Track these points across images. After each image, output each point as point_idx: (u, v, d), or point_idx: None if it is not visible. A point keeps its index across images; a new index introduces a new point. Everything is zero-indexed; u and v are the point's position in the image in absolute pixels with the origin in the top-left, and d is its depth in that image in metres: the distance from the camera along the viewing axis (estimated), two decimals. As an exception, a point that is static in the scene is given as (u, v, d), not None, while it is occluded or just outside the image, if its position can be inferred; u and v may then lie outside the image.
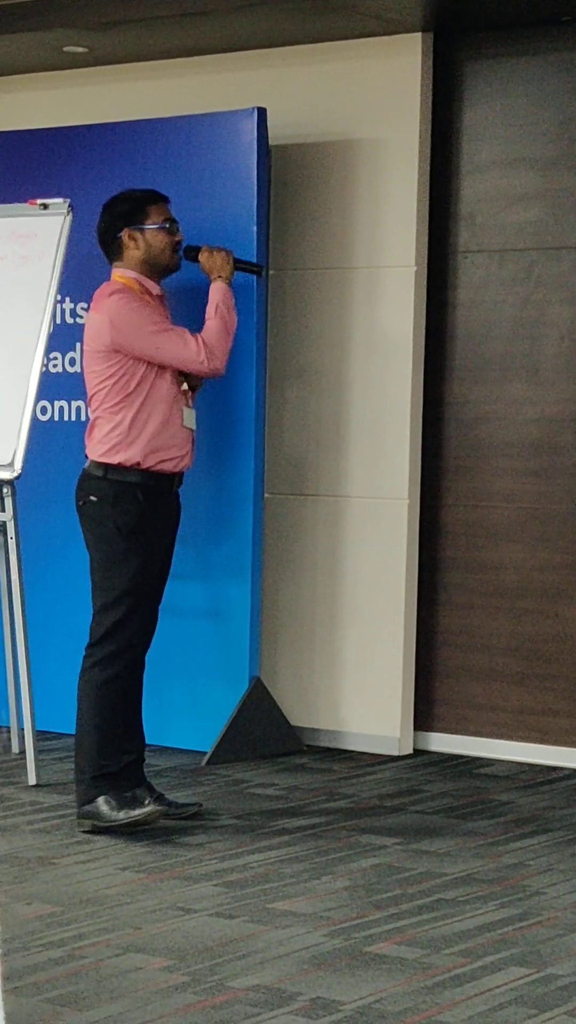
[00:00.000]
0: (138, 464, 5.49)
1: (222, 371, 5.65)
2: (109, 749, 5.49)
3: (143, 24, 6.58)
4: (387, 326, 6.73)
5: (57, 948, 4.27)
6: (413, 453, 6.73)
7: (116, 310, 5.47)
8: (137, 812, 5.39)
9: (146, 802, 5.45)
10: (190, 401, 5.68)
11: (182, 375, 5.62)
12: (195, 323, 5.65)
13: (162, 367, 5.53)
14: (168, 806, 5.59)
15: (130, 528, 5.48)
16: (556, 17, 6.42)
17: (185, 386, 5.65)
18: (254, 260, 6.36)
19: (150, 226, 5.57)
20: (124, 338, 5.45)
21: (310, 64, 6.84)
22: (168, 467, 5.55)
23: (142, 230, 5.56)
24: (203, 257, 5.72)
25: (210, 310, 5.65)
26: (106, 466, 5.50)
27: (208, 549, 6.67)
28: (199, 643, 6.70)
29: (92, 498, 5.52)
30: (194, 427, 5.68)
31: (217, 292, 5.69)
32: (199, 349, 5.54)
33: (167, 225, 5.60)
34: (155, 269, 5.62)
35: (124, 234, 5.57)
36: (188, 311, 5.90)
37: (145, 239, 5.57)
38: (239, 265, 5.85)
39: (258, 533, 6.67)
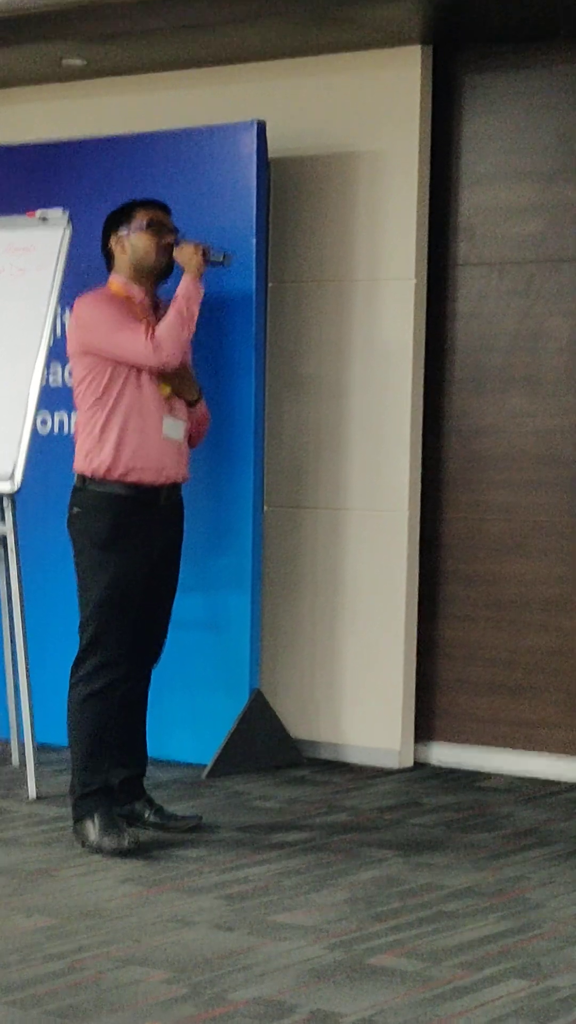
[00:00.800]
0: (110, 473, 5.37)
1: (172, 364, 5.38)
2: (93, 767, 5.39)
3: (142, 36, 6.59)
4: (387, 338, 6.73)
5: (57, 960, 4.26)
6: (413, 465, 6.73)
7: (81, 310, 5.47)
8: (115, 846, 5.27)
9: (125, 835, 5.32)
10: (176, 410, 5.49)
11: (165, 381, 5.45)
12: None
13: (138, 372, 5.39)
14: (168, 820, 5.58)
15: (102, 540, 5.38)
16: (555, 30, 6.43)
17: (168, 391, 5.45)
18: (249, 263, 6.35)
19: (134, 229, 5.49)
20: (89, 337, 5.40)
21: (309, 76, 6.85)
22: (146, 478, 5.39)
23: (127, 234, 5.50)
24: (176, 251, 5.56)
25: (171, 304, 5.50)
26: (84, 476, 5.44)
27: (208, 561, 6.66)
28: (199, 655, 6.70)
29: (75, 510, 5.47)
30: (178, 437, 5.48)
31: (180, 285, 5.49)
32: (147, 342, 5.34)
33: (148, 226, 5.48)
34: (143, 273, 5.49)
35: (112, 240, 5.54)
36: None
37: (130, 242, 5.49)
38: (207, 257, 5.57)
39: (258, 545, 6.67)
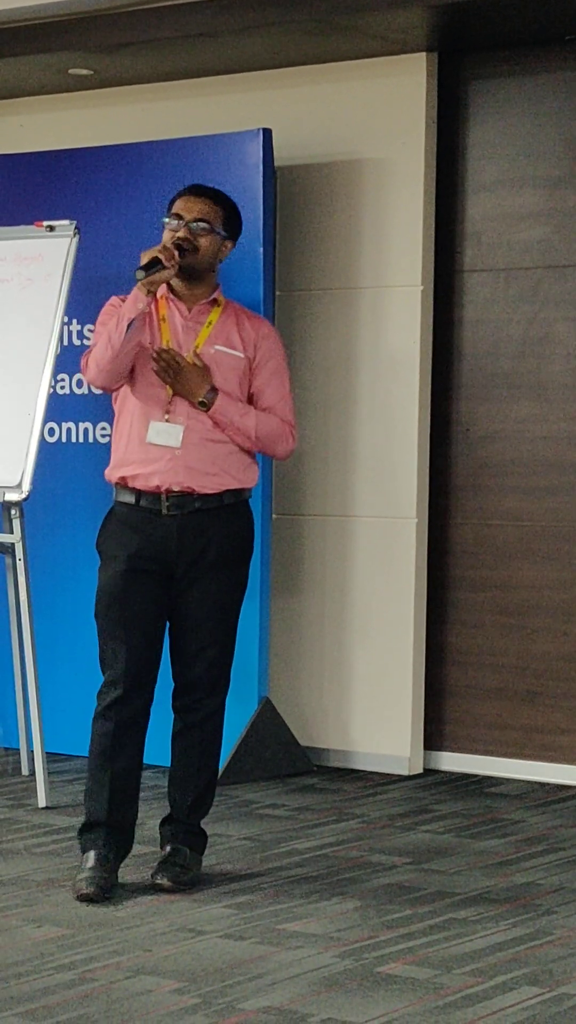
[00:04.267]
0: (111, 477, 5.10)
1: (95, 383, 5.08)
2: (90, 794, 5.02)
3: (148, 46, 6.60)
4: (394, 345, 6.74)
5: (67, 971, 4.26)
6: (421, 472, 6.73)
7: None
8: (75, 890, 4.91)
9: (89, 882, 4.89)
10: (176, 414, 5.01)
11: (164, 381, 5.02)
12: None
13: (131, 374, 5.07)
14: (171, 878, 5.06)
15: (99, 547, 5.12)
16: (560, 36, 6.44)
17: (169, 393, 5.01)
18: (262, 278, 6.36)
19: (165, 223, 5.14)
20: None
21: (315, 85, 6.86)
22: (138, 484, 5.01)
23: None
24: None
25: None
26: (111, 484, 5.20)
27: (216, 569, 6.66)
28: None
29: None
30: (168, 443, 5.00)
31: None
32: (83, 357, 5.07)
33: (167, 219, 5.09)
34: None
35: None
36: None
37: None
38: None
39: (266, 553, 6.67)
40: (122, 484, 5.06)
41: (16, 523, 6.15)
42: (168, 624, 5.11)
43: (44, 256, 6.39)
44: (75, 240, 6.34)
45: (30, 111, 7.47)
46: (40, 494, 6.36)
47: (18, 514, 6.14)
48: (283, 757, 6.74)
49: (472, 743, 6.79)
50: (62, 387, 6.89)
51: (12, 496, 6.15)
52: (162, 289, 5.08)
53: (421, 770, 6.81)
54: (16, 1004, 3.99)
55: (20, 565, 6.15)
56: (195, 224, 5.06)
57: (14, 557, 6.20)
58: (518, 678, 6.68)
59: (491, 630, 6.75)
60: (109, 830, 5.01)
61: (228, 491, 5.06)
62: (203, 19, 6.34)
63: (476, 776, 6.72)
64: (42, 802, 6.09)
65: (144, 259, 4.95)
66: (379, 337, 6.77)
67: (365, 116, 6.77)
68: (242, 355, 5.12)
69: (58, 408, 6.83)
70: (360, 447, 6.81)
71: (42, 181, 7.01)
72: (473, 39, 6.58)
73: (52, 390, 6.35)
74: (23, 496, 6.13)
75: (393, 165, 6.73)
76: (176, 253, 4.98)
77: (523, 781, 6.61)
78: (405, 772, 6.75)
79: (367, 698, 6.82)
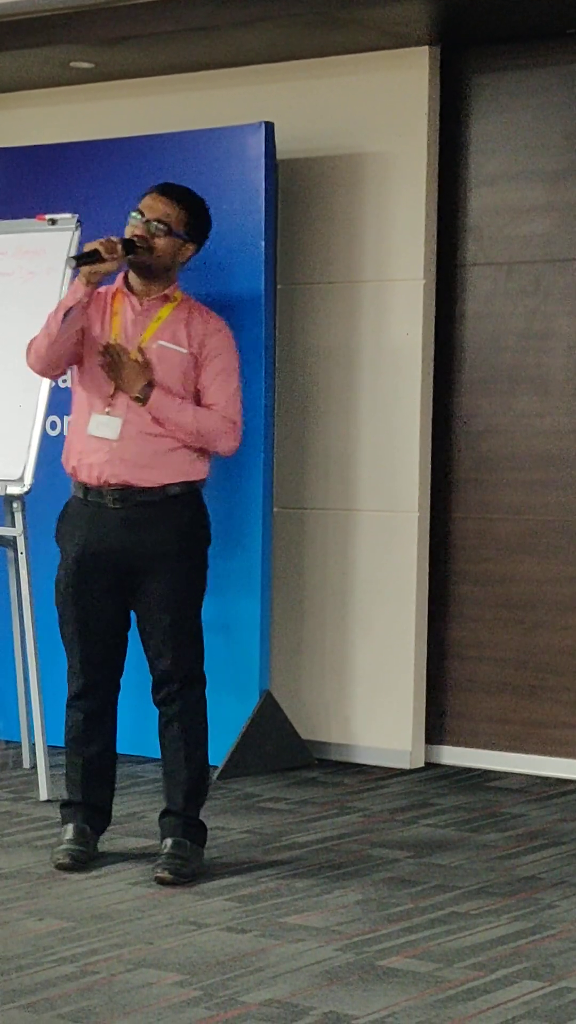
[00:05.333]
0: (64, 469, 5.21)
1: (34, 369, 5.18)
2: (68, 777, 5.28)
3: (149, 39, 6.59)
4: (395, 339, 6.73)
5: (69, 964, 4.26)
6: (422, 466, 6.73)
7: None
8: (53, 860, 5.17)
9: (63, 852, 5.16)
10: (117, 407, 5.08)
11: (107, 374, 5.10)
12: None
13: (79, 366, 5.17)
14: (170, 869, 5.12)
15: (56, 540, 5.24)
16: (562, 30, 6.43)
17: (113, 387, 5.08)
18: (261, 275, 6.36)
19: None
20: None
21: (317, 78, 6.85)
22: (83, 476, 5.10)
23: None
24: None
25: None
26: None
27: (218, 563, 6.62)
28: (209, 657, 6.62)
29: None
30: (106, 435, 5.06)
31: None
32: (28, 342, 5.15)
33: (134, 213, 5.15)
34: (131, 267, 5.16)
35: None
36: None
37: None
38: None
39: (267, 547, 6.67)
40: (73, 475, 5.17)
41: (18, 516, 6.15)
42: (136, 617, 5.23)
43: (46, 250, 6.38)
44: (77, 234, 6.33)
45: (31, 104, 7.46)
46: (42, 488, 6.35)
47: (20, 507, 6.15)
48: (284, 751, 6.74)
49: (473, 737, 6.79)
50: (64, 381, 6.86)
51: (14, 489, 6.15)
52: (119, 282, 5.17)
53: (422, 764, 6.81)
54: (17, 997, 4.00)
55: (22, 559, 6.15)
56: (153, 224, 5.12)
57: (16, 551, 6.20)
58: (519, 672, 6.68)
59: (492, 624, 6.75)
60: (86, 808, 5.26)
61: (172, 483, 5.11)
62: (205, 12, 6.33)
63: (477, 770, 6.72)
64: (43, 795, 6.09)
65: (86, 248, 5.00)
66: (381, 331, 6.77)
67: (367, 110, 6.77)
68: (186, 351, 5.16)
69: (60, 402, 6.81)
70: (361, 441, 6.81)
71: (44, 175, 7.01)
72: (475, 33, 6.57)
73: (54, 384, 6.34)
74: (25, 490, 6.13)
75: (395, 159, 6.72)
76: (119, 247, 5.03)
77: (524, 775, 6.61)
78: (406, 766, 6.75)
79: (368, 692, 6.82)
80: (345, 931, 4.55)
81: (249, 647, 6.63)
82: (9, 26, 6.60)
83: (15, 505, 6.16)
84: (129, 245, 5.05)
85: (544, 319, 6.62)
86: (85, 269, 4.98)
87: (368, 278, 6.79)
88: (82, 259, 4.98)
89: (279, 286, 6.84)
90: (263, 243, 6.55)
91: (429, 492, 6.78)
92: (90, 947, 4.40)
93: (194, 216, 5.20)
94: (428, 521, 6.79)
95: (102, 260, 4.98)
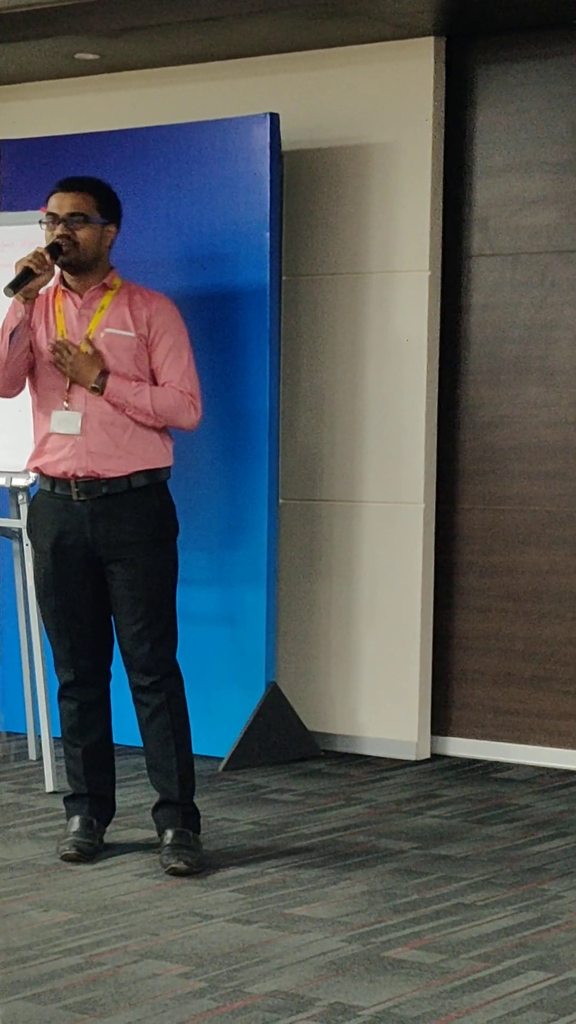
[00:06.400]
0: (30, 465, 5.25)
1: None
2: (69, 768, 5.33)
3: (154, 30, 6.59)
4: (401, 330, 6.73)
5: (75, 955, 4.27)
6: (428, 457, 6.73)
7: None
8: (59, 852, 5.22)
9: (68, 844, 5.21)
10: (74, 402, 5.10)
11: (60, 369, 5.13)
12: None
13: (36, 371, 5.20)
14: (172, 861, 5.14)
15: (28, 536, 5.34)
16: (568, 20, 6.42)
17: (67, 382, 5.11)
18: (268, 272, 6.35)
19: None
20: None
21: (322, 69, 6.84)
22: (49, 471, 5.14)
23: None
24: None
25: None
26: None
27: (223, 555, 6.67)
28: (215, 649, 6.70)
29: None
30: (69, 431, 5.10)
31: None
32: None
33: (42, 220, 5.21)
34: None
35: None
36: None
37: None
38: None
39: (273, 538, 6.67)
40: (39, 473, 5.20)
41: (24, 508, 6.15)
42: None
43: (51, 241, 6.37)
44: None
45: (36, 96, 7.46)
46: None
47: (25, 499, 6.15)
48: (290, 742, 6.74)
49: (479, 728, 6.79)
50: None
51: (19, 481, 6.16)
52: (55, 281, 5.20)
53: (428, 755, 6.81)
54: (23, 988, 4.00)
55: (28, 550, 6.14)
56: (70, 220, 5.15)
57: (21, 542, 6.20)
58: (525, 663, 6.68)
59: (499, 615, 6.74)
60: (91, 799, 5.29)
61: (137, 473, 5.14)
62: (210, 3, 6.33)
63: (483, 761, 6.72)
64: (49, 787, 6.10)
65: (17, 270, 5.04)
66: (386, 322, 6.76)
67: (372, 101, 6.76)
68: (133, 334, 5.18)
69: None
70: (367, 432, 6.80)
71: (48, 166, 6.98)
72: (481, 23, 6.56)
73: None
74: (30, 481, 6.13)
75: (401, 150, 6.72)
76: (48, 257, 5.07)
77: (530, 766, 6.61)
78: (412, 757, 6.75)
79: (374, 683, 6.82)
80: (351, 922, 4.55)
81: (255, 639, 6.63)
82: (14, 18, 6.59)
83: (20, 497, 6.16)
84: (55, 249, 5.10)
85: (550, 310, 6.61)
86: (23, 288, 5.04)
87: (373, 269, 6.78)
88: (19, 284, 5.04)
89: (284, 277, 6.83)
90: (268, 234, 6.54)
91: (435, 483, 6.78)
92: (96, 938, 4.41)
93: (103, 199, 5.22)
94: (434, 512, 6.79)
95: (35, 276, 5.05)
